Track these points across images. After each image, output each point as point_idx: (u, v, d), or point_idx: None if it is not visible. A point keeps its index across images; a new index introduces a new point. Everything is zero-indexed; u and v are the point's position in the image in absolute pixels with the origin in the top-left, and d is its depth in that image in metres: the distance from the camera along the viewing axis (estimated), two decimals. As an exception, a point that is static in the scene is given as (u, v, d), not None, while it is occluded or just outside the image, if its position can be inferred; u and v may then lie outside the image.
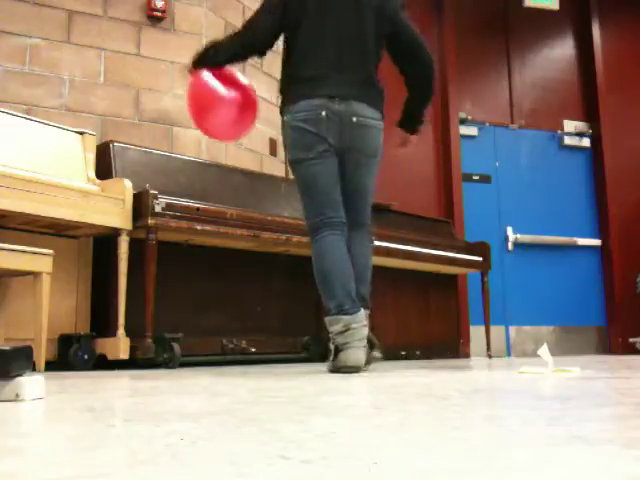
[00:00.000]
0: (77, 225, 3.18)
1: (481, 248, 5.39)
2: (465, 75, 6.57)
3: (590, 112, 6.92)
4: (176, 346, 3.21)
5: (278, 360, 3.91)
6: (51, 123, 3.46)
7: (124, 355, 3.13)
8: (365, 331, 2.51)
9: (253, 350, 3.72)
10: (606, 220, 6.72)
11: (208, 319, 3.71)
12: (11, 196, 2.85)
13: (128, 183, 3.31)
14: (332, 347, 2.46)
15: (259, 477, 0.55)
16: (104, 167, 3.56)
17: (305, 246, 3.44)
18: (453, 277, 5.57)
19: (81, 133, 3.53)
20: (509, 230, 6.44)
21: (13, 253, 2.72)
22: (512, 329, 6.34)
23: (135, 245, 3.26)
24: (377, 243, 4.53)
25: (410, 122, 2.84)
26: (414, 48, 2.75)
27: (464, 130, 6.49)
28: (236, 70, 2.73)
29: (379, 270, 4.75)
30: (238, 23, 4.90)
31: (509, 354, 6.29)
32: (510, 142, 6.65)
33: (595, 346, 6.63)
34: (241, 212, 3.64)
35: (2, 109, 3.28)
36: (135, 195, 3.31)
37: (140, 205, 3.28)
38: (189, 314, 3.64)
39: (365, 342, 2.49)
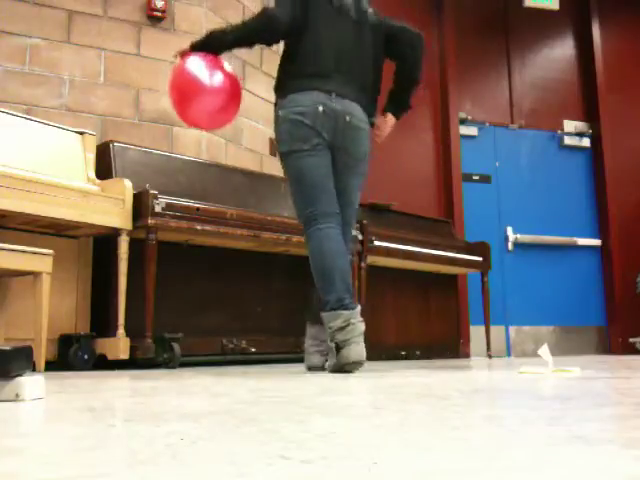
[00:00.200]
0: (77, 225, 3.18)
1: (481, 248, 5.39)
2: (465, 75, 6.57)
3: (590, 112, 6.92)
4: (176, 346, 3.21)
5: (278, 360, 3.91)
6: (51, 123, 3.46)
7: (124, 355, 3.13)
8: (363, 327, 2.48)
9: (253, 350, 3.72)
10: (606, 220, 6.72)
11: (208, 319, 3.71)
12: (11, 196, 2.85)
13: (128, 183, 3.31)
14: (332, 345, 2.43)
15: (259, 477, 0.55)
16: (104, 167, 3.56)
17: (304, 246, 3.44)
18: (453, 277, 5.57)
19: (81, 133, 3.53)
20: (509, 230, 6.44)
21: (13, 253, 2.72)
22: (512, 329, 6.34)
23: (135, 245, 3.26)
24: (377, 243, 4.53)
25: (397, 106, 2.83)
26: (397, 33, 2.79)
27: (464, 130, 6.49)
28: (222, 59, 2.68)
29: (379, 270, 4.76)
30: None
31: (509, 354, 6.29)
32: (510, 142, 6.65)
33: (595, 346, 6.63)
34: (241, 212, 3.64)
35: (2, 109, 3.28)
36: (135, 195, 3.31)
37: (140, 205, 3.28)
38: (189, 314, 3.64)
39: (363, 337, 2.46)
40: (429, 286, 5.28)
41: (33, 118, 3.43)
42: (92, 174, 3.45)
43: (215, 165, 4.15)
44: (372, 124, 2.82)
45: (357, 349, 2.40)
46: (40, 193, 2.96)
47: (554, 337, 6.46)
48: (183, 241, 3.60)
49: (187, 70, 2.58)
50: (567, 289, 6.53)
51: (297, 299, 3.44)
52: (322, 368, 2.68)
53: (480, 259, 5.36)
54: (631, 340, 6.41)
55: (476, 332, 5.74)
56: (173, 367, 3.18)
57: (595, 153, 6.89)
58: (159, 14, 4.39)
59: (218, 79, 2.59)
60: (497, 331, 5.92)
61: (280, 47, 2.82)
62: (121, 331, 3.17)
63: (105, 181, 3.42)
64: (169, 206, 3.33)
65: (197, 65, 2.58)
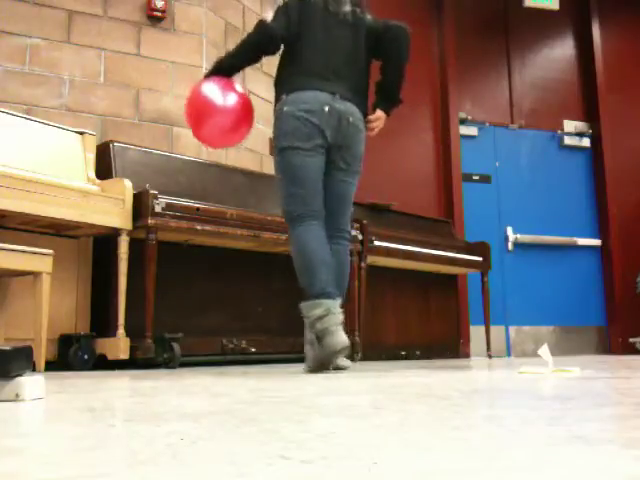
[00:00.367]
0: (77, 225, 3.18)
1: (481, 248, 5.39)
2: (465, 75, 6.57)
3: (590, 112, 6.92)
4: (176, 346, 3.21)
5: (278, 360, 3.91)
6: (51, 123, 3.46)
7: (124, 355, 3.13)
8: (342, 317, 2.50)
9: (253, 350, 3.72)
10: (606, 220, 6.72)
11: (208, 319, 3.71)
12: (11, 196, 2.85)
13: (128, 183, 3.31)
14: (313, 336, 2.44)
15: (259, 477, 0.55)
16: (104, 167, 3.56)
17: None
18: (453, 277, 5.57)
19: (81, 133, 3.53)
20: (509, 230, 6.44)
21: (13, 253, 2.72)
22: (512, 329, 6.34)
23: (135, 245, 3.26)
24: (377, 243, 4.53)
25: (386, 102, 2.85)
26: (382, 33, 2.82)
27: (464, 130, 6.49)
28: (235, 80, 2.79)
29: (379, 270, 4.76)
30: (238, 23, 4.91)
31: (509, 354, 6.29)
32: (510, 142, 6.65)
33: (595, 346, 6.63)
34: (241, 212, 3.64)
35: (2, 109, 3.28)
36: (135, 195, 3.31)
37: (140, 205, 3.28)
38: (189, 314, 3.64)
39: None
40: (429, 286, 5.28)
41: (33, 118, 3.43)
42: (92, 174, 3.45)
43: (215, 165, 4.15)
44: (367, 122, 2.88)
45: (340, 336, 2.42)
46: (40, 193, 2.96)
47: (554, 337, 6.46)
48: (183, 241, 3.60)
49: (200, 92, 2.70)
50: (567, 289, 6.53)
51: (297, 299, 3.44)
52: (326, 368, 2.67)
53: (480, 259, 5.36)
54: (631, 340, 6.41)
55: (476, 332, 5.74)
56: (173, 367, 3.18)
57: (595, 153, 6.89)
58: (159, 14, 4.39)
59: (229, 100, 2.69)
60: (497, 331, 5.92)
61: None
62: (121, 331, 3.17)
63: (105, 181, 3.42)
64: (169, 206, 3.33)
65: (209, 88, 2.69)
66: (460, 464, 0.60)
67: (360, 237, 4.35)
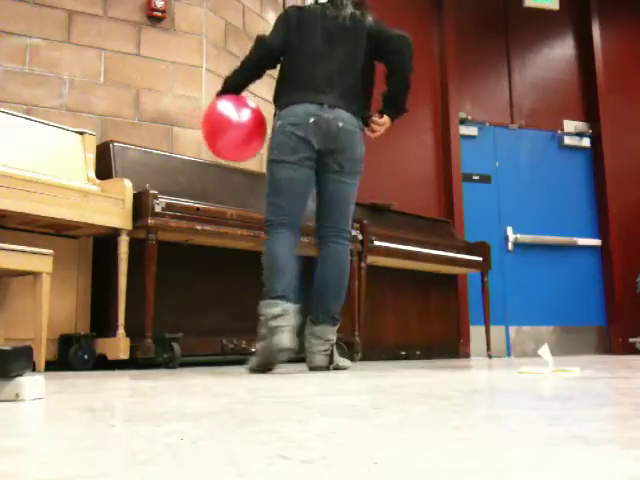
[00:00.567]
0: (77, 225, 3.18)
1: (481, 248, 5.39)
2: (465, 75, 6.57)
3: (590, 112, 6.92)
4: (176, 346, 3.21)
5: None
6: (51, 123, 3.46)
7: (124, 355, 3.13)
8: (296, 322, 2.60)
9: (253, 350, 3.71)
10: (606, 220, 6.72)
11: (208, 319, 3.70)
12: (11, 196, 2.85)
13: (128, 183, 3.31)
14: (264, 331, 2.54)
15: (259, 477, 0.56)
16: (104, 167, 3.56)
17: (305, 246, 3.43)
18: (453, 277, 5.57)
19: (81, 133, 3.53)
20: (509, 230, 6.44)
21: (13, 253, 2.72)
22: (512, 329, 6.34)
23: (135, 245, 3.26)
24: (377, 243, 4.53)
25: (392, 109, 2.88)
26: (384, 43, 2.84)
27: (464, 130, 6.49)
28: (246, 96, 2.94)
29: (379, 270, 4.76)
30: (238, 23, 4.91)
31: (509, 354, 6.29)
32: (510, 142, 6.65)
33: (595, 346, 6.63)
34: (241, 212, 3.64)
35: (2, 109, 3.28)
36: (135, 195, 3.31)
37: (140, 205, 3.28)
38: (189, 314, 3.64)
39: (295, 331, 2.59)
40: (429, 286, 5.28)
41: (33, 118, 3.43)
42: (92, 174, 3.45)
43: (215, 165, 4.14)
44: (367, 124, 2.89)
45: (287, 337, 2.53)
46: (40, 193, 2.96)
47: (554, 337, 6.46)
48: (183, 241, 3.60)
49: (213, 109, 2.86)
50: (567, 289, 6.53)
51: (297, 299, 3.44)
52: (326, 368, 2.68)
53: (480, 259, 5.36)
54: (631, 340, 6.41)
55: (476, 332, 5.74)
56: (173, 367, 3.18)
57: (595, 153, 6.89)
58: (159, 14, 4.39)
59: (240, 116, 2.84)
60: (497, 331, 5.92)
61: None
62: (121, 331, 3.17)
63: (105, 181, 3.42)
64: (169, 206, 3.33)
65: (222, 105, 2.84)
66: (460, 464, 0.60)
67: (360, 237, 4.36)
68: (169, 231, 3.36)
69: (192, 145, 4.39)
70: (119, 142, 3.72)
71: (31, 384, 1.29)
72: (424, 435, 0.81)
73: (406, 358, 4.86)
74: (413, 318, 5.11)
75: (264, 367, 2.56)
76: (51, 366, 3.03)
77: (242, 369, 2.69)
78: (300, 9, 2.95)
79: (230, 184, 4.02)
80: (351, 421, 0.96)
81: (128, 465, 0.63)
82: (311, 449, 0.70)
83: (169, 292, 3.52)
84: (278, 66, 2.93)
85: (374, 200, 4.99)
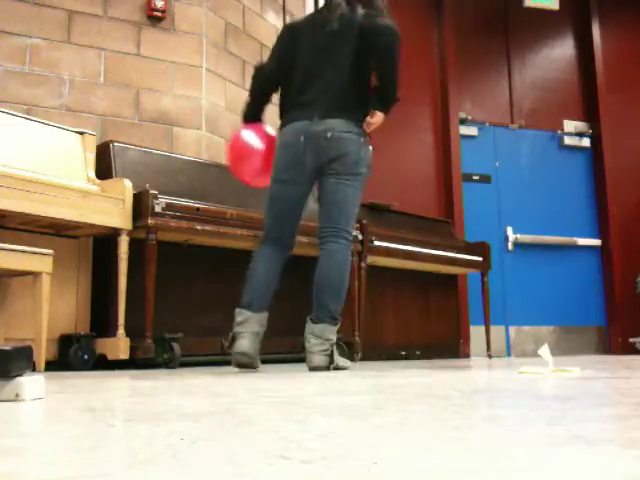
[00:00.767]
0: (77, 225, 3.18)
1: (481, 248, 5.39)
2: (465, 75, 6.57)
3: (590, 112, 6.92)
4: (176, 346, 3.21)
5: (278, 360, 3.91)
6: (51, 123, 3.46)
7: (124, 355, 3.13)
8: (259, 329, 2.78)
9: (253, 350, 3.71)
10: (606, 220, 6.72)
11: (208, 319, 3.70)
12: (11, 196, 2.85)
13: (128, 183, 3.31)
14: (230, 335, 2.81)
15: (259, 477, 0.55)
16: (104, 167, 3.56)
17: (305, 246, 3.44)
18: (453, 277, 5.57)
19: (81, 133, 3.53)
20: (509, 230, 6.44)
21: (13, 253, 2.72)
22: (512, 329, 6.34)
23: (135, 245, 3.26)
24: (377, 243, 4.53)
25: (382, 102, 2.88)
26: (368, 34, 2.84)
27: (464, 130, 6.49)
28: (265, 125, 3.06)
29: (379, 270, 4.76)
30: (238, 23, 4.91)
31: (509, 354, 6.29)
32: (510, 142, 6.65)
33: (595, 346, 6.63)
34: (241, 212, 3.64)
35: (2, 109, 3.28)
36: (135, 195, 3.31)
37: (140, 205, 3.28)
38: (189, 314, 3.64)
39: (257, 337, 2.77)
40: (429, 286, 5.28)
41: (33, 118, 3.43)
42: (92, 174, 3.45)
43: (215, 165, 4.14)
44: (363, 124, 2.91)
45: (244, 343, 2.73)
46: (40, 193, 2.96)
47: (554, 337, 6.46)
48: (183, 241, 3.60)
49: (236, 139, 3.03)
50: (567, 289, 6.53)
51: (297, 299, 3.43)
52: (326, 368, 2.68)
53: (480, 259, 5.36)
54: (631, 340, 6.41)
55: (476, 332, 5.74)
56: (173, 367, 3.18)
57: (595, 153, 6.89)
58: (159, 14, 4.39)
59: (259, 145, 2.98)
60: (497, 331, 5.92)
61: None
62: (121, 331, 3.17)
63: (105, 181, 3.42)
64: (169, 206, 3.33)
65: (245, 134, 3.01)
66: (460, 464, 0.60)
67: (360, 237, 4.36)
68: (169, 231, 3.36)
69: (192, 145, 4.39)
70: (119, 142, 3.72)
71: (31, 384, 1.29)
72: (424, 435, 0.81)
73: (406, 358, 4.86)
74: (413, 318, 5.11)
75: (239, 367, 2.76)
76: (51, 366, 3.03)
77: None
78: (293, 27, 3.04)
79: (230, 184, 4.02)
80: (351, 421, 0.96)
81: (128, 465, 0.63)
82: (311, 449, 0.70)
83: (169, 292, 3.52)
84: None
85: (374, 200, 4.99)
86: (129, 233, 3.27)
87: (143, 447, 0.73)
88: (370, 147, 2.95)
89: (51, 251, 2.88)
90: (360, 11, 2.86)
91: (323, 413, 1.09)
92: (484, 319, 5.37)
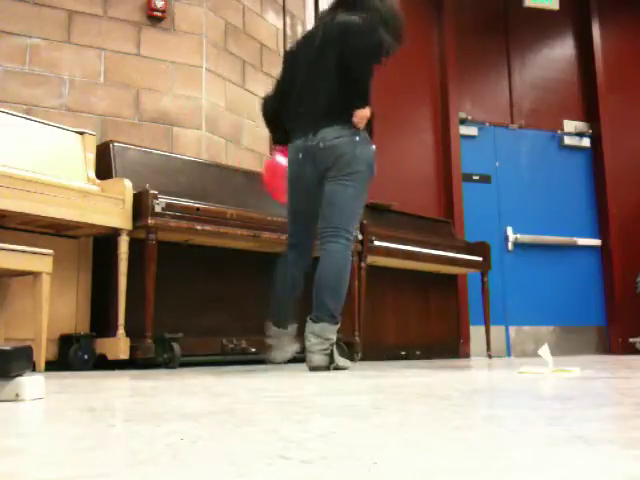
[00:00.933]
0: (77, 225, 3.18)
1: (481, 248, 5.39)
2: (465, 75, 6.57)
3: (590, 112, 6.92)
4: (176, 346, 3.21)
5: (278, 360, 3.90)
6: (51, 123, 3.46)
7: (124, 355, 3.13)
8: (286, 343, 3.00)
9: (253, 350, 3.72)
10: (606, 220, 6.72)
11: (208, 319, 3.70)
12: (11, 196, 2.85)
13: (128, 183, 3.31)
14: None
15: (259, 477, 0.56)
16: (104, 167, 3.56)
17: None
18: (453, 277, 5.57)
19: (81, 133, 3.53)
20: (509, 230, 6.44)
21: (13, 253, 2.72)
22: (512, 329, 6.34)
23: (135, 245, 3.25)
24: (377, 243, 4.53)
25: (357, 98, 2.92)
26: (349, 35, 2.88)
27: (464, 130, 6.49)
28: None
29: (379, 270, 4.76)
30: (238, 23, 4.91)
31: (509, 354, 6.29)
32: (510, 142, 6.65)
33: (595, 346, 6.63)
34: (241, 212, 3.64)
35: (2, 109, 3.28)
36: (135, 195, 3.31)
37: (140, 205, 3.28)
38: (189, 314, 3.64)
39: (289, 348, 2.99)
40: (429, 286, 5.28)
41: (33, 118, 3.43)
42: (92, 174, 3.45)
43: (215, 165, 4.14)
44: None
45: (276, 353, 3.02)
46: (40, 193, 2.96)
47: (554, 337, 6.46)
48: (183, 241, 3.60)
49: (271, 161, 3.28)
50: (567, 289, 6.53)
51: (297, 299, 3.44)
52: (326, 368, 2.68)
53: (480, 259, 5.36)
54: (631, 340, 6.41)
55: (476, 332, 5.74)
56: (173, 367, 3.18)
57: (595, 153, 6.88)
58: (159, 14, 4.39)
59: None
60: (497, 331, 5.92)
61: (280, 45, 2.89)
62: (121, 331, 3.17)
63: (105, 181, 3.42)
64: (169, 206, 3.33)
65: (277, 158, 3.22)
66: (460, 464, 0.60)
67: (360, 237, 4.35)
68: (169, 231, 3.36)
69: (192, 145, 4.39)
70: (119, 142, 3.72)
71: (31, 384, 1.29)
72: (424, 435, 0.81)
73: (406, 358, 4.86)
74: (413, 318, 5.11)
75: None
76: (51, 366, 3.03)
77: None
78: (292, 52, 3.19)
79: (230, 184, 4.02)
80: (351, 421, 0.96)
81: (128, 465, 0.63)
82: (311, 449, 0.70)
83: (169, 292, 3.52)
84: (279, 58, 3.10)
85: (374, 200, 4.98)
86: (129, 233, 3.27)
87: (143, 447, 0.73)
88: (373, 146, 2.95)
89: (51, 251, 2.88)
90: (340, 16, 2.88)
91: (323, 413, 1.09)
92: (484, 319, 5.37)
